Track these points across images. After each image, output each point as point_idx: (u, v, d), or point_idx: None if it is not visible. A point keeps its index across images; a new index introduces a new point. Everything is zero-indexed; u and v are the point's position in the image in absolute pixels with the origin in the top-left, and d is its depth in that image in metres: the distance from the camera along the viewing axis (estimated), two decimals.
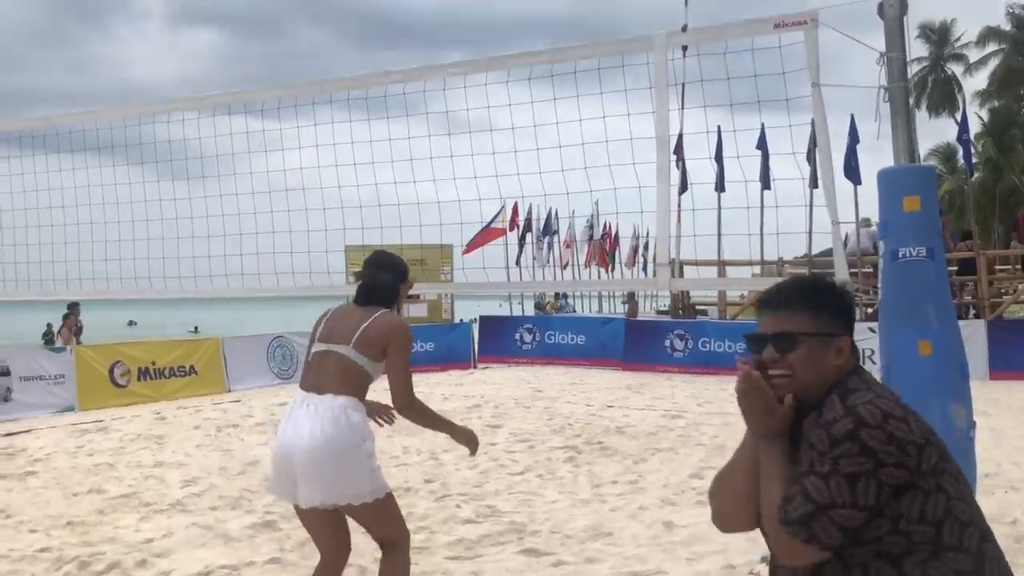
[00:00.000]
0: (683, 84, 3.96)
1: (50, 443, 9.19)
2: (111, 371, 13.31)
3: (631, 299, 24.02)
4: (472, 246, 17.08)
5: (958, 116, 42.49)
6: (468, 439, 3.76)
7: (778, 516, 1.81)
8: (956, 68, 45.58)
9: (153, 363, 14.05)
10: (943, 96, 43.90)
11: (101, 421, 10.79)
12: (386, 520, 3.56)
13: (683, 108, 3.91)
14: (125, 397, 13.19)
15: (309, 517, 3.52)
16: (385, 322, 3.52)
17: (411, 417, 3.57)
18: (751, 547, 5.33)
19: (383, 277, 3.66)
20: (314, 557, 5.17)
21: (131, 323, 44.84)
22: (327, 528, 3.57)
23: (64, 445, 9.05)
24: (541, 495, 6.78)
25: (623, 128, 4.16)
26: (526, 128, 4.37)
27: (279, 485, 3.51)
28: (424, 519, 6.07)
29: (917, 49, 44.83)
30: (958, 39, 46.06)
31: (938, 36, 45.62)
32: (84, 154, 7.09)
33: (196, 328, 44.87)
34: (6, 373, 11.96)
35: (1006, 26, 43.85)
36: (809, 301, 1.97)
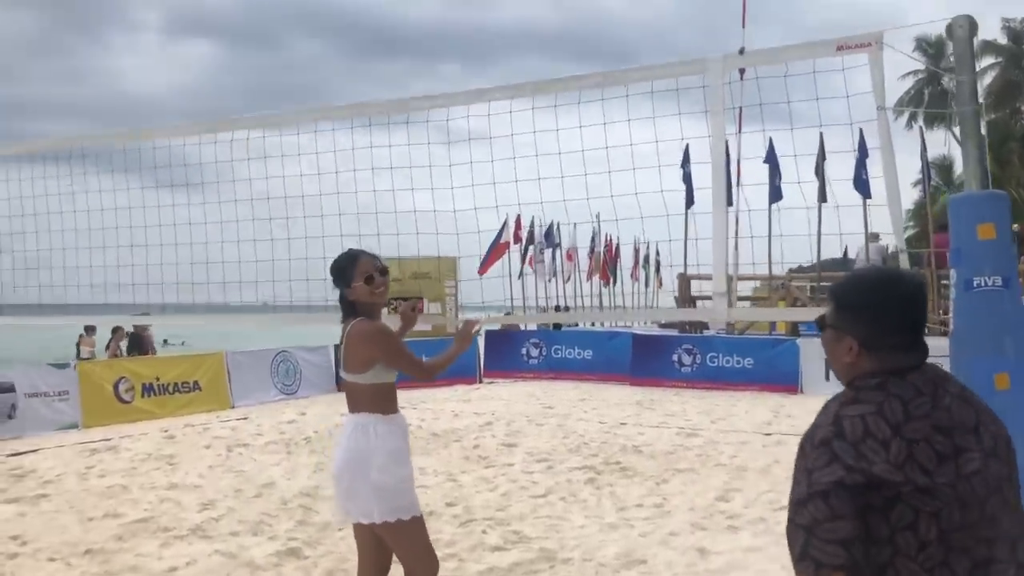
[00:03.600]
0: (740, 108, 3.89)
1: (59, 464, 9.01)
2: (116, 387, 13.12)
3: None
4: (487, 265, 17.02)
5: (956, 130, 42.49)
6: (463, 335, 3.93)
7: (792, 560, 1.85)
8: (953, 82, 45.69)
9: (157, 379, 13.87)
10: (941, 109, 43.89)
11: (109, 439, 10.61)
12: (402, 547, 3.49)
13: (740, 132, 3.86)
14: (130, 414, 13.00)
15: (356, 532, 3.58)
16: (355, 337, 3.47)
17: (433, 375, 3.78)
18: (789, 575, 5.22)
19: (337, 288, 3.61)
20: None
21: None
22: (366, 546, 3.57)
23: (74, 466, 8.88)
24: (567, 519, 6.65)
25: (650, 149, 4.12)
26: (550, 150, 4.32)
27: (335, 503, 3.70)
28: (451, 546, 5.93)
29: (914, 63, 44.97)
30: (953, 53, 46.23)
31: (934, 50, 45.73)
32: (98, 174, 6.99)
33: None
34: (10, 389, 11.78)
35: (1002, 39, 44.03)
36: (834, 293, 2.06)
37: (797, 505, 1.85)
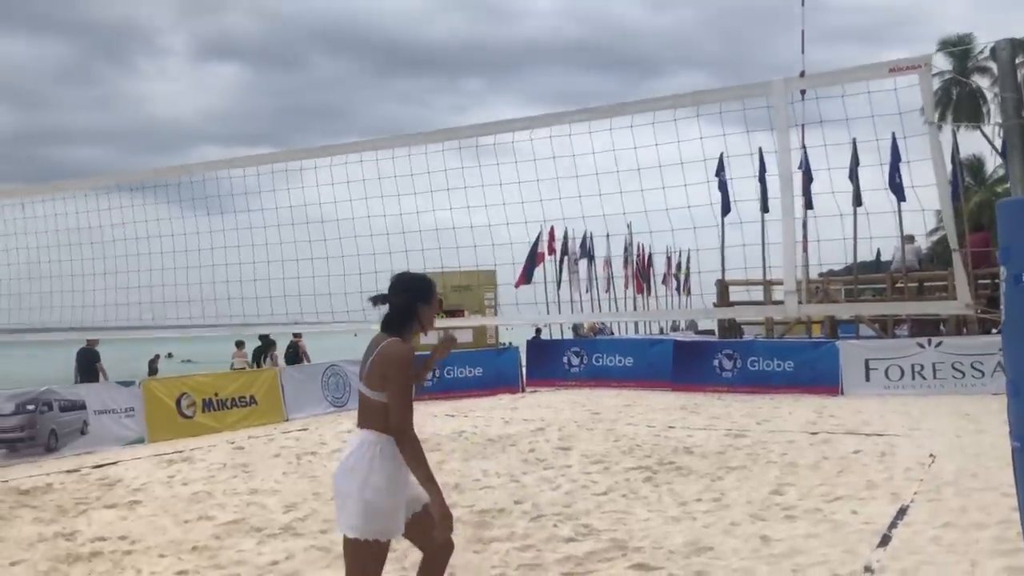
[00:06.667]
0: (803, 125, 4.31)
1: (142, 473, 9.55)
2: (178, 403, 13.69)
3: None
4: (522, 278, 17.56)
5: (985, 128, 42.25)
6: (441, 516, 3.46)
7: None
8: (982, 81, 45.54)
9: (216, 394, 14.42)
10: (970, 109, 43.89)
11: (181, 451, 11.15)
12: (357, 566, 3.50)
13: (804, 146, 4.25)
14: (192, 428, 13.54)
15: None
16: (383, 354, 3.53)
17: (402, 447, 3.45)
18: (851, 558, 5.57)
19: (396, 300, 3.65)
20: None
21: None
22: (346, 558, 3.57)
23: (156, 475, 9.40)
24: (631, 513, 7.02)
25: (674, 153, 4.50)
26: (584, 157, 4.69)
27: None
28: (527, 538, 6.33)
29: (939, 63, 44.84)
30: (981, 52, 46.06)
31: (962, 52, 45.65)
32: (170, 205, 7.36)
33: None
34: (82, 407, 12.36)
35: None
36: None
37: None
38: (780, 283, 18.10)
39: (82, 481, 9.25)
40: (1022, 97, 3.55)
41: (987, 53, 45.58)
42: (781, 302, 4.11)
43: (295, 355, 19.37)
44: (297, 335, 18.93)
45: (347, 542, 3.47)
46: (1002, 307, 3.57)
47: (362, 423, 3.58)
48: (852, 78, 3.96)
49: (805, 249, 13.05)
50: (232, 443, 11.77)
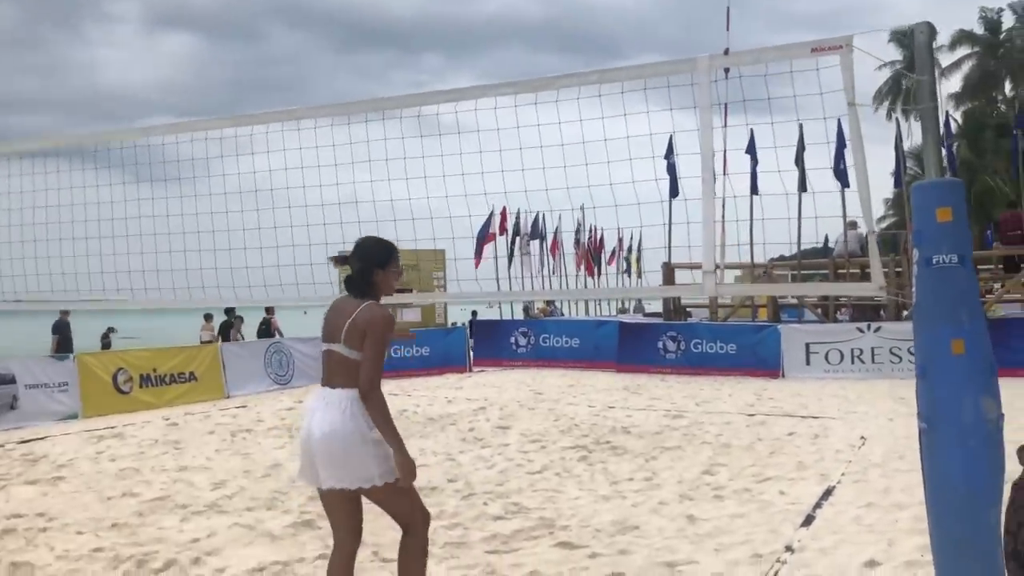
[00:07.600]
0: (726, 104, 4.30)
1: (69, 449, 9.32)
2: (114, 378, 13.41)
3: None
4: (479, 257, 17.56)
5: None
6: (404, 468, 3.63)
7: None
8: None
9: (154, 370, 14.15)
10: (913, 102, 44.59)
11: (113, 427, 10.92)
12: (398, 502, 3.74)
13: (725, 126, 4.25)
14: (128, 404, 13.27)
15: (328, 499, 3.78)
16: (365, 316, 3.64)
17: (368, 406, 3.60)
18: (773, 537, 5.63)
19: (356, 265, 3.75)
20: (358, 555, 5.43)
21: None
22: (344, 511, 3.79)
23: (84, 451, 9.18)
24: (563, 492, 7.03)
25: (638, 143, 4.46)
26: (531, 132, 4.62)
27: (305, 471, 3.79)
28: (455, 516, 6.31)
29: (891, 53, 45.55)
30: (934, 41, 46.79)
31: (909, 40, 46.34)
32: (111, 171, 7.09)
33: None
34: (11, 381, 12.04)
35: (978, 30, 44.70)
36: None
37: None
38: (729, 267, 18.32)
39: (4, 456, 9.01)
40: (935, 81, 3.56)
41: (936, 44, 46.47)
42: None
43: (267, 331, 19.11)
44: (270, 310, 18.72)
45: (386, 489, 3.62)
46: (913, 289, 3.60)
47: (336, 383, 3.67)
48: (776, 56, 3.94)
49: (749, 230, 13.26)
50: (167, 419, 11.56)
